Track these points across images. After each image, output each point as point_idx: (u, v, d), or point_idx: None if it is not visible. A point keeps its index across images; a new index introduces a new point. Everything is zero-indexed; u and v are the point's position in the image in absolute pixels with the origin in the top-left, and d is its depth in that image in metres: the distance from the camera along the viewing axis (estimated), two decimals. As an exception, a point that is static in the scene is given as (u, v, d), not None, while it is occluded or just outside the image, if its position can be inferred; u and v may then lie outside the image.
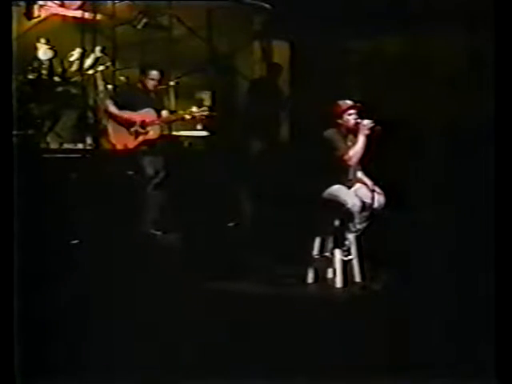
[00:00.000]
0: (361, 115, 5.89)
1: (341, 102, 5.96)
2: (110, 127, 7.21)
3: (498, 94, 3.79)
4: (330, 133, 5.92)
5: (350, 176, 5.92)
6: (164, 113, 7.35)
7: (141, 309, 4.82)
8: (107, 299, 4.93)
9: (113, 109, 7.18)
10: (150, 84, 7.25)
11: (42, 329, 4.26)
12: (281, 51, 9.79)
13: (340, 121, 5.92)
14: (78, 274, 5.43)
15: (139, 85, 7.32)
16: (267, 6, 9.01)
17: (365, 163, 5.96)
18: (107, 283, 5.29)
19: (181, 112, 7.57)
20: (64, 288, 4.99)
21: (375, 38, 8.78)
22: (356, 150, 5.82)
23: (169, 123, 7.51)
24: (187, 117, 7.33)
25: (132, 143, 7.13)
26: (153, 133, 7.16)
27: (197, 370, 3.88)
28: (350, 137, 5.91)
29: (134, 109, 7.17)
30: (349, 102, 5.96)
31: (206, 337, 4.31)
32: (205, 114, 7.43)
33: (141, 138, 7.14)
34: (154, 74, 7.26)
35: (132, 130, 7.12)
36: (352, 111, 5.91)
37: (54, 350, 4.05)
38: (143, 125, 7.13)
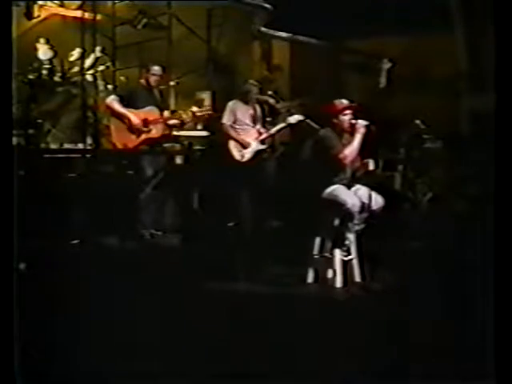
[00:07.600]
0: (356, 115, 5.87)
1: (337, 102, 5.95)
2: (112, 125, 7.15)
3: (498, 94, 3.79)
4: (325, 132, 5.91)
5: (348, 175, 5.90)
6: (167, 112, 7.32)
7: (141, 309, 4.82)
8: (108, 300, 4.93)
9: (117, 106, 7.11)
10: (153, 80, 7.21)
11: (43, 330, 4.26)
12: (281, 51, 9.82)
13: (335, 120, 5.91)
14: (79, 274, 5.43)
15: (143, 81, 7.28)
16: (267, 5, 9.03)
17: (361, 163, 5.94)
18: (108, 283, 5.29)
19: (183, 111, 7.55)
20: (64, 288, 4.99)
21: (375, 37, 8.80)
22: (352, 149, 5.81)
23: (172, 124, 7.44)
24: (190, 116, 7.29)
25: (133, 142, 7.06)
26: (155, 132, 7.10)
27: (197, 370, 3.88)
28: (346, 136, 5.90)
29: (137, 106, 7.12)
30: (345, 102, 5.94)
31: (205, 337, 4.31)
32: (208, 112, 7.40)
33: (143, 137, 7.07)
34: (156, 69, 7.23)
35: (134, 128, 7.06)
36: (348, 111, 5.90)
37: (54, 351, 4.05)
38: (146, 123, 7.05)
